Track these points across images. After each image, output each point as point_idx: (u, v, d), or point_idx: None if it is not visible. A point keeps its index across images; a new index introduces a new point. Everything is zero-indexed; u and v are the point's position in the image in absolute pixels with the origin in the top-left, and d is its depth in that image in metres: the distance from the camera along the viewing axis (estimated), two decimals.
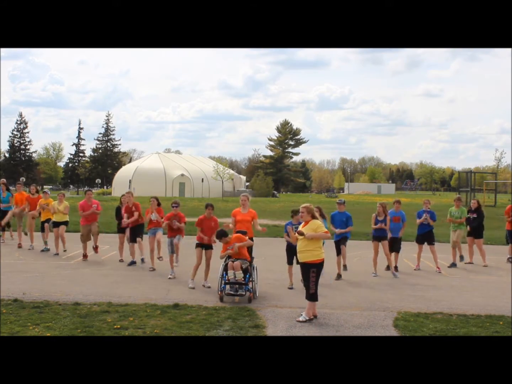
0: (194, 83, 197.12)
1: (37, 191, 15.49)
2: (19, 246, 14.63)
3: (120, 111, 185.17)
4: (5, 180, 16.39)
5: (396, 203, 12.13)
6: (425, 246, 12.54)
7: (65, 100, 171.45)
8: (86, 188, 15.13)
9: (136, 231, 12.16)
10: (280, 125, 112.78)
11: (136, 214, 12.02)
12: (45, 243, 14.20)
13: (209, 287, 9.76)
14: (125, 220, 12.03)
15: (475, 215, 13.44)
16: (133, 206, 12.11)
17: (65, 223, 13.85)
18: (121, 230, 12.74)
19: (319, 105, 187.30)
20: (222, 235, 9.29)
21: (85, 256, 12.84)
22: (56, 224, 13.69)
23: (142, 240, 12.24)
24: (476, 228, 13.44)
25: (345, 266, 11.32)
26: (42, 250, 14.03)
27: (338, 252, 11.23)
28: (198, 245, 10.03)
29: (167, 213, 11.22)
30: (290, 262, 10.07)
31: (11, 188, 17.19)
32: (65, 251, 13.67)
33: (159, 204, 11.87)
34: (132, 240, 12.17)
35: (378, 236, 11.70)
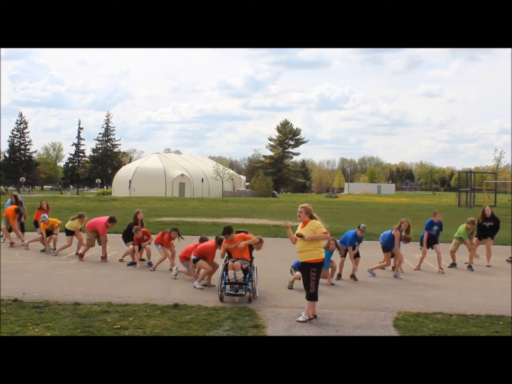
0: (194, 83, 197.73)
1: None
2: (11, 245, 14.78)
3: (120, 111, 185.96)
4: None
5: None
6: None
7: (65, 100, 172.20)
8: (109, 216, 15.16)
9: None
10: (280, 125, 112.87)
11: (148, 242, 12.33)
12: (48, 249, 14.09)
13: (214, 285, 9.81)
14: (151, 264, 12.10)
15: (491, 223, 13.33)
16: (144, 236, 12.23)
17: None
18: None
19: (319, 105, 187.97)
20: (229, 231, 9.33)
21: (81, 256, 12.85)
22: (70, 233, 13.54)
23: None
24: (491, 232, 13.42)
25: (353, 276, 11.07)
26: (42, 250, 14.03)
27: (343, 254, 11.21)
28: (197, 260, 10.05)
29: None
30: None
31: (10, 188, 17.25)
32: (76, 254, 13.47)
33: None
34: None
35: (390, 247, 11.67)
